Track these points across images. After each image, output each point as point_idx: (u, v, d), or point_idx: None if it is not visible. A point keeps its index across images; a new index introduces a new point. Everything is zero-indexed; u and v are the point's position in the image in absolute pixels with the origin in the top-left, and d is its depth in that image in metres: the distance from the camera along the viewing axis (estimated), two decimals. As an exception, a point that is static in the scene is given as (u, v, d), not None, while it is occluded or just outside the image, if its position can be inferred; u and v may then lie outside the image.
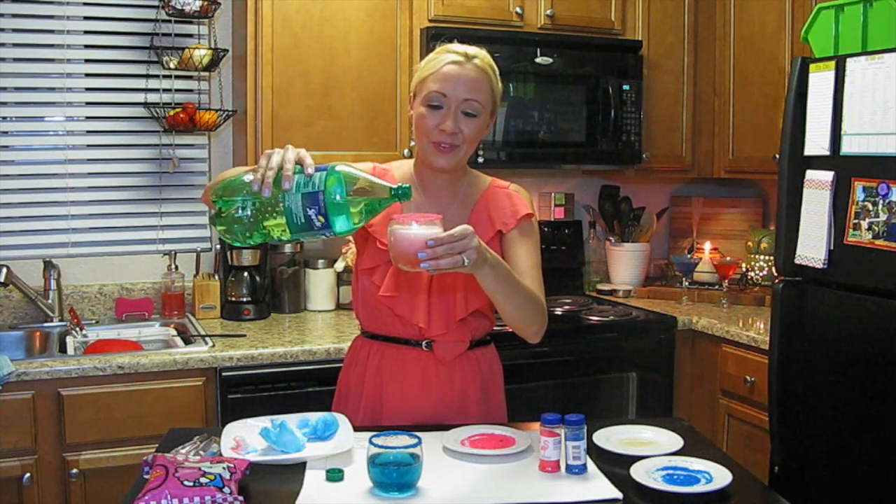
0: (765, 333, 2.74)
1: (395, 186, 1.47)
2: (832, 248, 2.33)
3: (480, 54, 1.82)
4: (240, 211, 1.45)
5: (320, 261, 3.17)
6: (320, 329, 2.88)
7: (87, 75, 3.02)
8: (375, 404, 1.88)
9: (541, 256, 1.89)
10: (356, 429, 1.70)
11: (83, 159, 3.03)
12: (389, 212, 1.60)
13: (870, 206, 2.22)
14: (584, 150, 3.22)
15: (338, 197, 1.43)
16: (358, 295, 1.93)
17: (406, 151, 2.97)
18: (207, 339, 2.66)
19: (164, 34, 2.99)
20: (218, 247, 3.12)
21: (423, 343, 1.85)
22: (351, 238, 2.00)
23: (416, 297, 1.82)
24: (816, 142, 2.37)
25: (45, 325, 2.88)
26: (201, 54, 2.92)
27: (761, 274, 3.43)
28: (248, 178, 1.46)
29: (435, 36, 2.91)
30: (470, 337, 1.88)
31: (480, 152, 2.98)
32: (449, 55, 1.79)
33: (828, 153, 2.34)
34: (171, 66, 2.97)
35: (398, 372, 1.87)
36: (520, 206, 1.88)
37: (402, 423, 1.79)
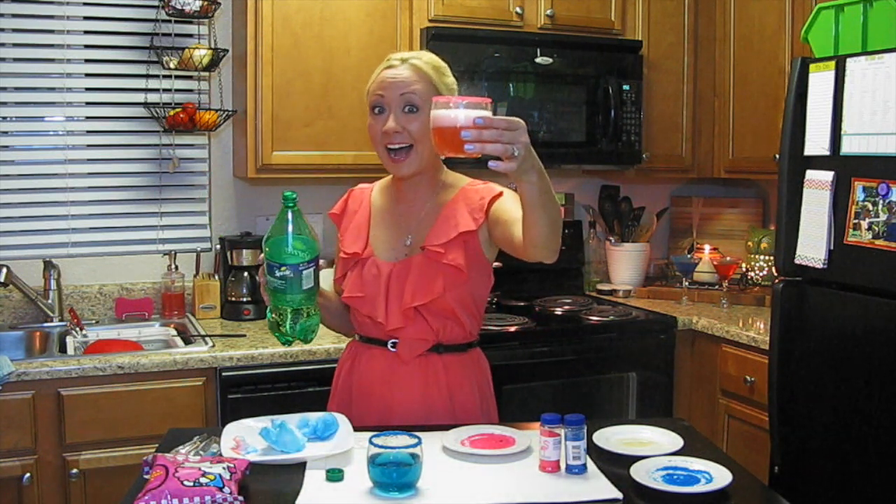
0: (765, 333, 2.74)
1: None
2: (832, 248, 2.33)
3: (419, 55, 1.85)
4: (296, 320, 1.75)
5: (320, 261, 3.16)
6: (320, 329, 2.87)
7: (87, 75, 3.02)
8: (345, 401, 1.92)
9: None
10: (356, 429, 1.70)
11: (83, 159, 3.03)
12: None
13: (870, 206, 2.21)
14: (583, 150, 3.22)
15: (267, 248, 1.67)
16: None
17: (406, 151, 2.96)
18: (207, 339, 2.66)
19: (164, 34, 2.98)
20: (218, 247, 3.12)
21: (389, 343, 1.87)
22: None
23: (376, 294, 1.85)
24: (816, 142, 2.37)
25: (45, 325, 2.88)
26: (201, 54, 2.91)
27: (761, 274, 3.43)
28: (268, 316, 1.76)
29: (435, 36, 2.91)
30: (434, 338, 1.85)
31: (481, 152, 2.97)
32: (388, 62, 1.84)
33: (828, 153, 2.34)
34: (171, 66, 2.96)
35: (365, 370, 1.90)
36: (486, 192, 1.84)
37: (369, 422, 1.81)
